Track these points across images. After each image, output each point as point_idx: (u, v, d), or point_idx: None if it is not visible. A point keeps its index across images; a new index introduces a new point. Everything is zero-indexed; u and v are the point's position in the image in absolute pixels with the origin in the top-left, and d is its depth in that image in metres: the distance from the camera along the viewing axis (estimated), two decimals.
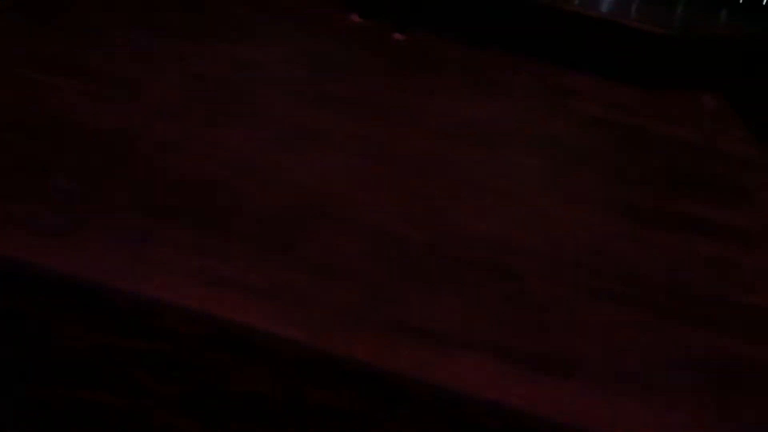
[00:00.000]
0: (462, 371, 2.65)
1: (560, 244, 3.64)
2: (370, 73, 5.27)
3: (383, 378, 2.54)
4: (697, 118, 6.06)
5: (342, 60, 5.36)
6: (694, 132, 5.68)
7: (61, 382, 2.26)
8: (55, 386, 2.23)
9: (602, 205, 4.17)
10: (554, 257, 3.51)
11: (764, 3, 8.24)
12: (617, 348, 2.98)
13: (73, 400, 2.19)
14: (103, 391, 2.25)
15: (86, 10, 5.12)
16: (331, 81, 4.93)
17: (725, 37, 7.01)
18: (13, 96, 3.89)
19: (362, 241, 3.28)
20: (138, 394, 2.26)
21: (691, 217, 4.24)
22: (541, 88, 5.79)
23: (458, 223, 3.60)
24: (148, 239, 2.95)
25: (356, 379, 2.51)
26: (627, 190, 4.41)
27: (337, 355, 2.57)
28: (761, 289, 3.68)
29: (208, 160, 3.67)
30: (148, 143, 3.69)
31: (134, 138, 3.71)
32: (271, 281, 2.88)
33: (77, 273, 2.66)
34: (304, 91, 4.68)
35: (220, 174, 3.54)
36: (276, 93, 4.57)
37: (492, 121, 4.90)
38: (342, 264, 3.09)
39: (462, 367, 2.66)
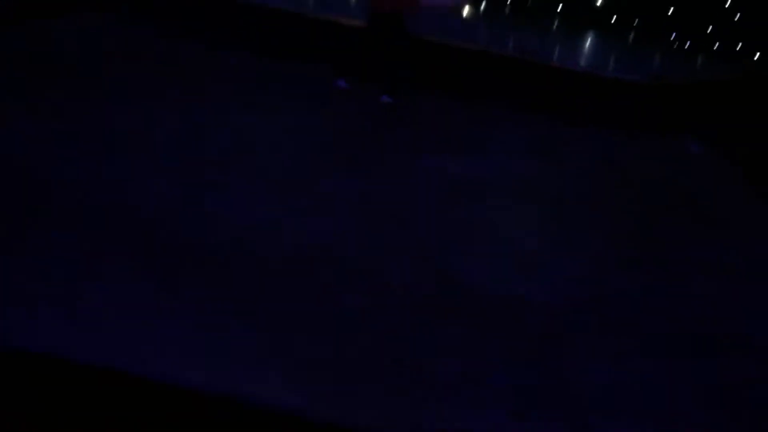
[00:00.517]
0: (473, 427, 2.65)
1: (558, 288, 3.68)
2: (363, 136, 5.38)
3: None
4: (683, 160, 6.19)
5: (336, 125, 5.47)
6: (682, 174, 5.79)
7: None
8: None
9: (596, 249, 4.22)
10: (553, 301, 3.55)
11: (737, 48, 8.51)
12: (627, 387, 3.01)
13: None
14: None
15: (87, 69, 5.34)
16: (326, 146, 5.04)
17: (704, 81, 7.21)
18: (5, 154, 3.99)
19: (365, 296, 3.32)
20: None
21: (686, 257, 4.31)
22: (529, 140, 5.90)
23: (460, 274, 3.64)
24: (151, 313, 2.95)
25: None
26: (621, 233, 4.48)
27: (343, 423, 2.56)
28: (759, 323, 3.74)
29: (210, 223, 3.72)
30: (149, 208, 3.74)
31: (134, 204, 3.75)
32: (273, 344, 2.90)
33: (84, 354, 2.64)
34: (303, 157, 4.78)
35: (222, 238, 3.59)
36: (275, 159, 4.66)
37: (484, 175, 4.98)
38: (346, 320, 3.12)
39: (473, 424, 2.67)
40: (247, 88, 5.87)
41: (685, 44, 8.46)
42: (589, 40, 8.35)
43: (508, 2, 9.18)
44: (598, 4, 8.99)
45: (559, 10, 9.10)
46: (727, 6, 8.67)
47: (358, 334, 3.10)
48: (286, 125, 5.26)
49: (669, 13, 8.85)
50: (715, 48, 8.48)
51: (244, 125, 5.07)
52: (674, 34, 8.69)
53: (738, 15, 8.61)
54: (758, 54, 8.47)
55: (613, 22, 9.02)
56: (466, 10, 8.47)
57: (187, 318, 2.99)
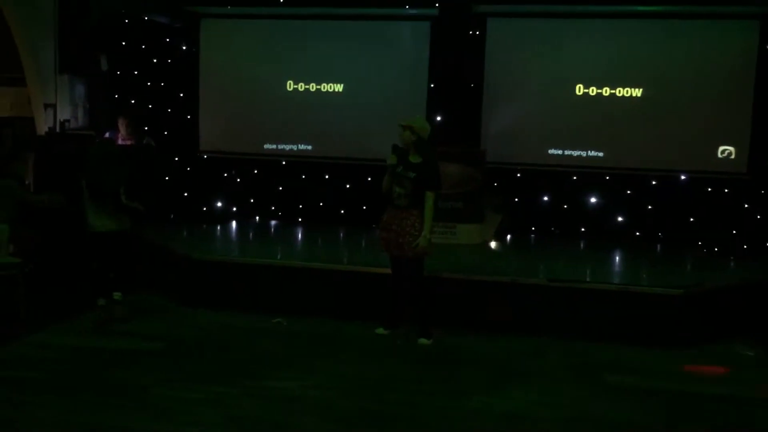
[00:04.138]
0: None
1: None
2: (403, 384, 5.35)
3: None
4: (735, 369, 5.99)
5: (374, 376, 5.48)
6: (736, 385, 5.58)
7: None
8: None
9: None
10: None
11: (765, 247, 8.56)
12: None
13: None
14: None
15: (119, 370, 5.43)
16: (366, 400, 5.00)
17: (740, 285, 7.16)
18: None
19: None
20: None
21: None
22: (572, 367, 5.81)
23: None
24: None
25: None
26: None
27: None
28: None
29: None
30: None
31: None
32: None
33: None
34: (342, 415, 4.74)
35: None
36: (315, 420, 4.63)
37: (530, 412, 4.87)
38: None
39: None
40: (284, 352, 5.97)
41: (713, 249, 8.53)
42: (617, 257, 8.48)
43: (533, 232, 9.51)
44: (620, 220, 9.25)
45: (582, 231, 9.37)
46: (746, 207, 8.86)
47: None
48: (326, 384, 5.27)
49: (690, 222, 9.05)
50: (744, 249, 8.52)
51: (284, 392, 5.09)
52: (699, 242, 8.80)
53: (758, 215, 8.77)
54: None
55: (637, 236, 9.23)
56: (492, 244, 8.76)
57: None
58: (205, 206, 9.90)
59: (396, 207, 6.21)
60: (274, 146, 10.07)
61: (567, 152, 9.37)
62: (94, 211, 6.42)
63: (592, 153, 9.31)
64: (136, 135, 8.90)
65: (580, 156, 9.35)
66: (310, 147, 9.99)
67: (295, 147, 10.02)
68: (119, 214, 6.48)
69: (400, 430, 4.54)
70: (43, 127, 9.33)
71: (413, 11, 9.53)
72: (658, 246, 9.05)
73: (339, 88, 9.88)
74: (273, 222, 10.01)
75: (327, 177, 9.95)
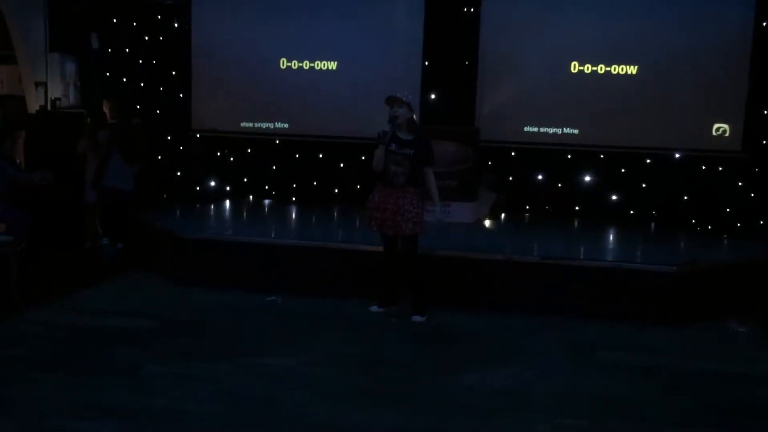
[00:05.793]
0: None
1: None
2: (397, 361, 5.36)
3: None
4: (729, 346, 6.01)
5: (368, 353, 5.49)
6: (730, 362, 5.60)
7: None
8: None
9: None
10: None
11: (761, 223, 8.57)
12: None
13: None
14: None
15: (113, 348, 5.42)
16: (360, 376, 5.01)
17: (734, 263, 7.18)
18: None
19: None
20: None
21: None
22: (567, 344, 5.83)
23: None
24: None
25: None
26: None
27: None
28: None
29: None
30: None
31: None
32: None
33: None
34: (336, 392, 4.75)
35: None
36: (308, 396, 4.63)
37: (524, 388, 4.88)
38: None
39: None
40: (279, 330, 5.97)
41: (707, 228, 8.54)
42: (611, 235, 8.49)
43: (527, 211, 9.49)
44: (614, 198, 9.24)
45: (576, 210, 9.36)
46: (740, 185, 8.85)
47: None
48: (321, 360, 5.28)
49: (684, 200, 9.04)
50: (737, 227, 8.53)
51: (279, 368, 5.09)
52: (693, 220, 8.81)
53: (753, 193, 8.76)
54: None
55: (631, 215, 9.22)
56: (486, 223, 8.75)
57: None
58: (198, 185, 9.86)
59: (391, 186, 6.17)
60: (267, 125, 10.00)
61: (560, 130, 9.32)
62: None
63: (586, 131, 9.25)
64: (120, 117, 8.77)
65: (573, 134, 9.29)
66: (303, 125, 9.92)
67: (287, 125, 9.95)
68: None
69: (394, 407, 4.55)
70: (34, 105, 9.25)
71: None
72: (652, 224, 9.05)
73: (333, 65, 9.81)
74: (267, 201, 9.98)
75: (321, 156, 9.91)
